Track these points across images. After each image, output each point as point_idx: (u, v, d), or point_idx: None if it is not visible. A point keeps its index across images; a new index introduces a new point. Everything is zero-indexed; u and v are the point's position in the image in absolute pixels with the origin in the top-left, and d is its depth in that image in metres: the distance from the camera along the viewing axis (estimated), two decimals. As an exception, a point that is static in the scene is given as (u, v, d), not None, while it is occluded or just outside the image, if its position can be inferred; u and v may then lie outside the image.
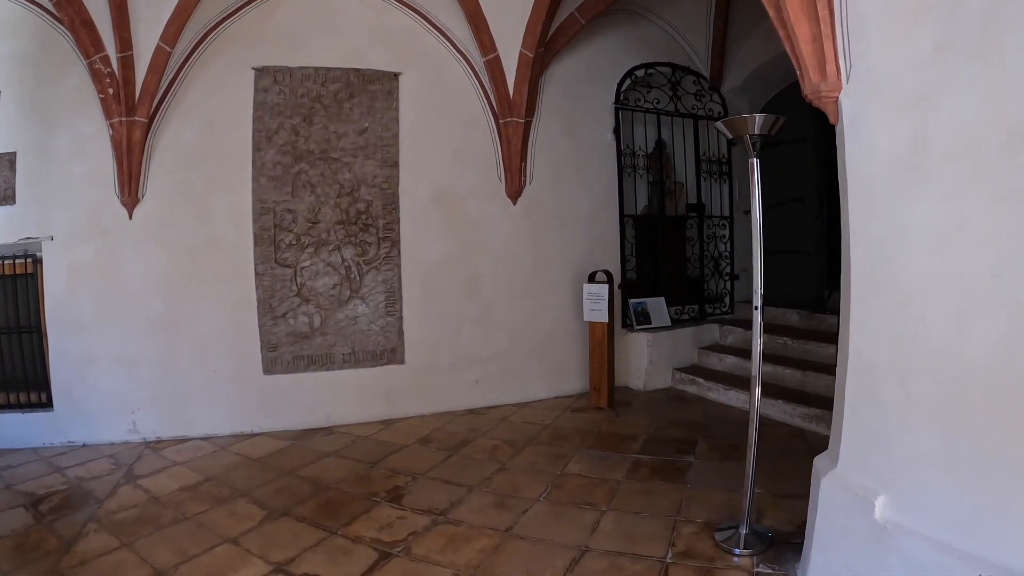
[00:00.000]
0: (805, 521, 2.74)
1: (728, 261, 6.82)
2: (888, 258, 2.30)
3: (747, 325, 6.32)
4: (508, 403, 5.50)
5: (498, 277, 5.51)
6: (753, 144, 2.90)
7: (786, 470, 3.82)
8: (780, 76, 6.71)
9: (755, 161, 2.96)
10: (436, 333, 5.32)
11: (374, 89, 5.19)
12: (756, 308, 3.01)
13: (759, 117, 2.76)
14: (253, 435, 4.83)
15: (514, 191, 5.50)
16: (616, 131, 6.01)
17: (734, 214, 6.89)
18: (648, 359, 5.86)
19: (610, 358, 5.25)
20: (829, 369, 5.10)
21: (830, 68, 2.42)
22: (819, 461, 2.76)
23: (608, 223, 6.00)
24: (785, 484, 3.58)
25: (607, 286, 5.17)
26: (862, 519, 2.39)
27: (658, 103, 6.19)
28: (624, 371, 5.88)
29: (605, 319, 5.17)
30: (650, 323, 6.02)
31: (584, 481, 3.75)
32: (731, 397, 5.35)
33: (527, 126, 5.42)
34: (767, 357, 5.66)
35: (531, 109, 5.42)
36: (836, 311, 6.11)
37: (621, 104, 6.03)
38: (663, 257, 6.34)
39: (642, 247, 6.27)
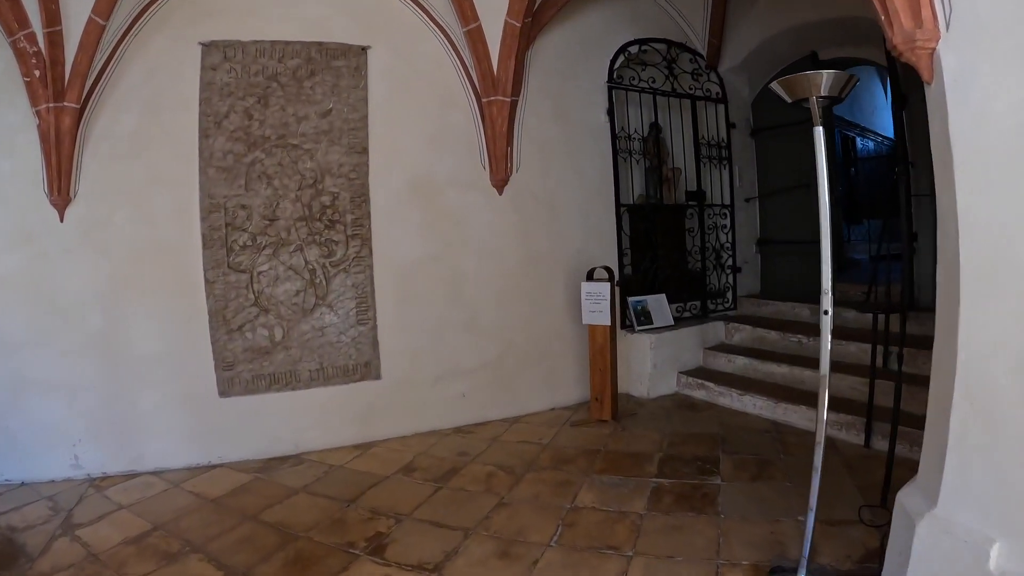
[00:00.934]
0: (865, 555, 2.46)
1: (730, 253, 6.42)
2: (1013, 250, 1.84)
3: (754, 322, 5.95)
4: (499, 418, 5.01)
5: (484, 277, 5.00)
6: (820, 108, 2.38)
7: (828, 489, 3.39)
8: (782, 55, 6.36)
9: (820, 131, 2.47)
10: (415, 343, 4.80)
11: (339, 65, 4.63)
12: (825, 312, 2.54)
13: (827, 75, 2.28)
14: (211, 467, 4.26)
15: (500, 179, 4.99)
16: (610, 112, 5.56)
17: (735, 202, 6.46)
18: (652, 363, 5.41)
19: (613, 365, 4.79)
20: (853, 370, 4.78)
21: (925, 13, 1.95)
22: (906, 497, 2.32)
23: (603, 213, 5.55)
24: (830, 508, 3.16)
25: (608, 284, 4.71)
26: (973, 570, 1.95)
27: (653, 82, 5.76)
28: (625, 377, 5.43)
29: (607, 321, 4.70)
30: (652, 323, 5.57)
31: (600, 517, 3.28)
32: (746, 403, 4.93)
33: (513, 106, 4.91)
34: (781, 358, 5.34)
35: (517, 87, 4.91)
36: (848, 304, 5.84)
37: (615, 83, 5.57)
38: (662, 250, 5.89)
39: (639, 239, 5.84)
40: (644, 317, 5.56)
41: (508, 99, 4.84)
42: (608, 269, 4.90)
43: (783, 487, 3.53)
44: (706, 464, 3.88)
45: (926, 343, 4.72)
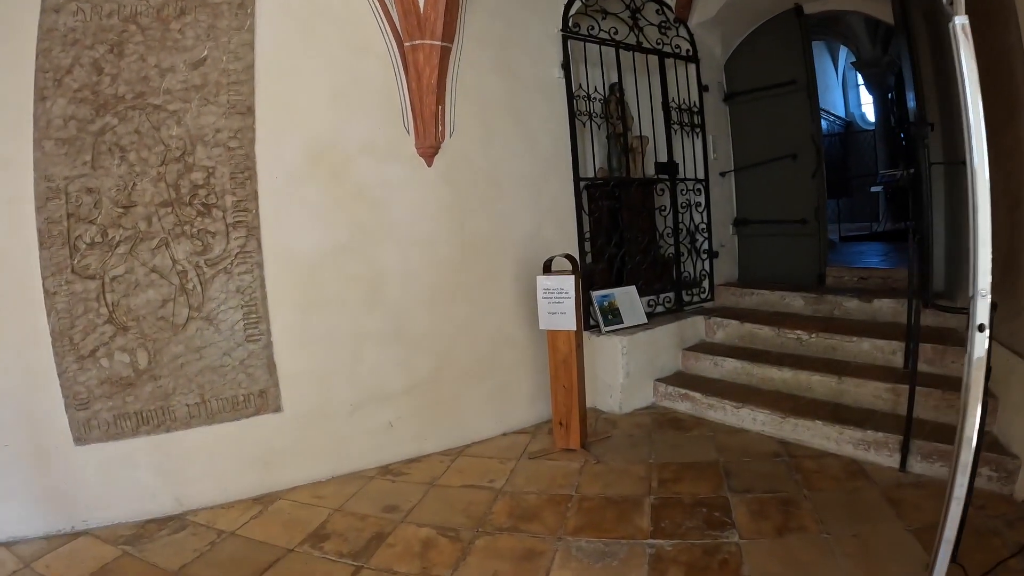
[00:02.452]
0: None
1: (705, 235, 5.70)
2: None
3: (738, 315, 5.25)
4: (439, 451, 4.14)
5: (411, 273, 4.07)
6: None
7: (874, 538, 2.67)
8: (760, 9, 5.80)
9: (960, 23, 1.64)
10: (324, 362, 3.83)
11: (217, 1, 3.59)
12: (981, 294, 1.68)
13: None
14: (75, 535, 3.25)
15: (429, 147, 4.05)
16: (565, 66, 4.71)
17: (709, 176, 5.69)
18: (624, 371, 4.59)
19: (580, 380, 3.93)
20: (869, 372, 4.02)
21: None
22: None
23: (560, 189, 4.73)
24: (884, 566, 2.47)
25: (572, 278, 3.80)
26: None
27: (615, 33, 4.93)
28: (592, 388, 4.63)
29: (572, 325, 3.83)
30: (621, 322, 4.75)
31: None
32: (744, 418, 4.20)
33: (445, 54, 3.99)
34: (780, 359, 4.53)
35: (450, 30, 3.98)
36: (844, 291, 5.11)
37: (570, 32, 4.73)
38: (629, 233, 5.06)
39: (602, 221, 5.03)
40: (612, 315, 4.72)
41: (439, 44, 3.90)
42: (571, 258, 4.04)
43: (822, 542, 2.76)
44: (714, 511, 3.07)
45: (950, 338, 4.11)
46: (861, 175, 12.61)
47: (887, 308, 4.74)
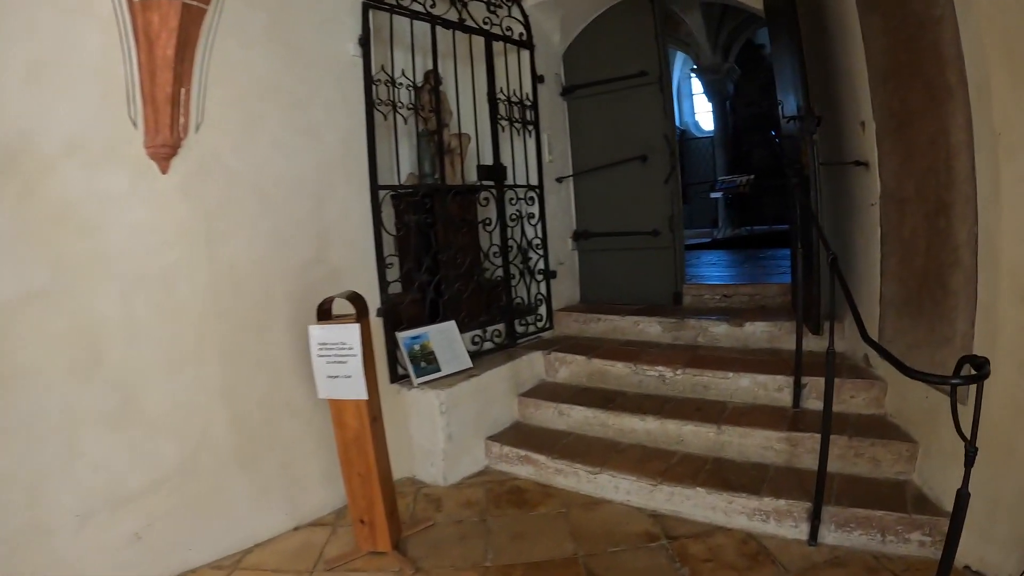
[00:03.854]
0: None
1: (540, 252, 5.25)
2: None
3: (582, 347, 4.85)
4: (210, 561, 3.28)
5: (141, 324, 3.15)
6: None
7: None
8: None
9: None
10: (28, 460, 2.82)
11: None
12: None
13: None
14: None
15: (163, 145, 3.16)
16: (364, 42, 4.05)
17: (544, 182, 5.22)
18: (445, 433, 3.97)
19: (382, 462, 3.18)
20: (754, 417, 3.72)
21: None
22: None
23: (352, 200, 4.05)
24: None
25: (356, 327, 3.03)
26: None
27: (432, 7, 4.36)
28: (408, 454, 4.05)
29: (360, 392, 3.06)
30: (438, 369, 4.11)
31: None
32: (604, 485, 3.72)
33: (194, 18, 3.16)
34: (641, 405, 4.06)
35: (198, -16, 3.12)
36: (707, 313, 4.80)
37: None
38: (445, 253, 4.42)
39: (410, 239, 4.38)
40: (426, 361, 4.09)
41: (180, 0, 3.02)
42: (355, 297, 3.25)
43: None
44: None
45: (843, 368, 3.70)
46: (698, 182, 13.45)
47: (761, 333, 4.54)
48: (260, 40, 3.58)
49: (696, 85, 15.08)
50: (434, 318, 4.34)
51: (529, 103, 5.24)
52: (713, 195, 11.85)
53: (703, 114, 16.24)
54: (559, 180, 5.65)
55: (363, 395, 3.03)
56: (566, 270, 5.70)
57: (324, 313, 3.20)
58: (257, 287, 3.54)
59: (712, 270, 7.09)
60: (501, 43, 4.95)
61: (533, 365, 4.75)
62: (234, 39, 3.43)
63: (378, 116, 4.12)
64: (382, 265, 4.05)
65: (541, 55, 5.39)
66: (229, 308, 3.41)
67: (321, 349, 3.06)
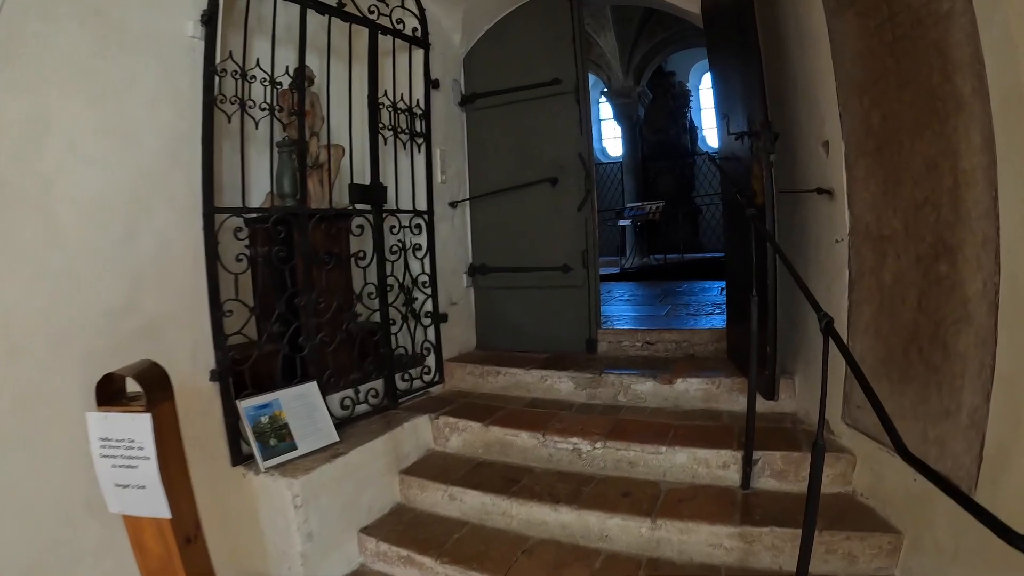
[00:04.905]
0: None
1: (429, 290, 4.54)
2: None
3: (478, 410, 4.20)
4: None
5: None
6: None
7: None
8: None
9: None
10: None
11: None
12: None
13: None
14: None
15: None
16: (209, 22, 3.21)
17: (435, 207, 4.56)
18: (303, 532, 3.14)
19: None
20: (696, 505, 3.08)
21: None
22: None
23: (177, 226, 3.14)
24: None
25: (147, 417, 2.15)
26: None
27: None
28: (258, 554, 3.19)
29: (160, 509, 2.19)
30: (294, 447, 3.29)
31: None
32: None
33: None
34: (552, 489, 3.24)
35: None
36: (627, 365, 4.24)
37: (220, -32, 3.28)
38: (307, 294, 3.59)
39: (261, 278, 3.59)
40: (277, 437, 3.25)
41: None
42: (150, 372, 2.33)
43: None
44: None
45: (800, 438, 3.37)
46: (605, 208, 13.43)
47: (695, 391, 3.94)
48: (65, 12, 2.71)
49: (604, 110, 15.15)
50: (291, 379, 3.51)
51: (420, 111, 4.52)
52: (621, 222, 11.74)
53: (610, 140, 16.59)
54: (453, 205, 4.94)
55: (163, 512, 2.17)
56: (460, 312, 4.98)
57: (111, 393, 2.30)
58: (43, 347, 2.58)
59: (627, 308, 6.48)
60: (390, 38, 4.22)
61: (418, 432, 3.95)
62: (34, 8, 2.58)
63: (221, 117, 3.28)
64: (218, 313, 3.16)
65: (438, 56, 4.72)
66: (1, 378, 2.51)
67: (104, 446, 2.18)
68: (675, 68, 15.53)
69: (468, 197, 5.13)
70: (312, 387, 3.53)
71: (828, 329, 1.92)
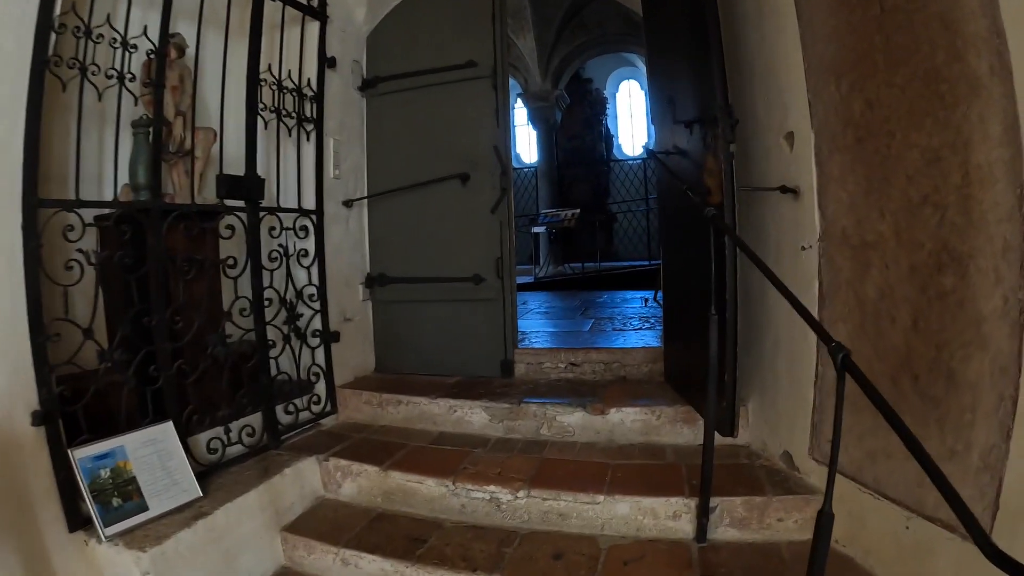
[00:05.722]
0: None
1: (317, 304, 4.01)
2: None
3: (376, 451, 3.65)
4: None
5: None
6: None
7: None
8: None
9: None
10: None
11: None
12: None
13: None
14: None
15: None
16: None
17: (326, 206, 4.10)
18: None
19: None
20: (639, 570, 2.62)
21: None
22: None
23: None
24: None
25: None
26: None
27: None
28: None
29: None
30: (145, 508, 2.71)
31: None
32: None
33: None
34: (466, 551, 2.57)
35: None
36: (550, 391, 3.84)
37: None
38: (160, 312, 3.00)
39: (108, 288, 2.90)
40: (122, 496, 2.66)
41: None
42: None
43: None
44: None
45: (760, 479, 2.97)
46: (518, 215, 13.19)
47: (632, 423, 3.51)
48: None
49: (519, 116, 15.30)
50: (141, 416, 2.89)
51: (312, 93, 3.99)
52: (536, 229, 11.70)
53: (523, 146, 16.98)
54: (348, 204, 4.40)
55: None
56: (355, 329, 4.44)
57: None
58: None
59: (546, 323, 6.02)
60: (279, 4, 3.69)
61: (304, 479, 3.35)
62: None
63: (55, 85, 2.67)
64: (40, 337, 2.53)
65: (336, 32, 4.22)
66: None
67: None
68: (592, 75, 15.99)
69: (366, 195, 4.59)
70: (167, 429, 2.92)
71: (846, 365, 1.53)
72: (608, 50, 13.82)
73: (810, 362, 2.80)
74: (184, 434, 3.01)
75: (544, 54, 12.76)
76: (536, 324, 5.91)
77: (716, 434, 3.04)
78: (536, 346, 4.62)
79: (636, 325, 5.38)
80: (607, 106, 16.39)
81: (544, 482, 3.06)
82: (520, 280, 9.64)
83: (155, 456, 2.84)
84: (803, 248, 2.78)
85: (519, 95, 13.59)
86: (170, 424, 2.94)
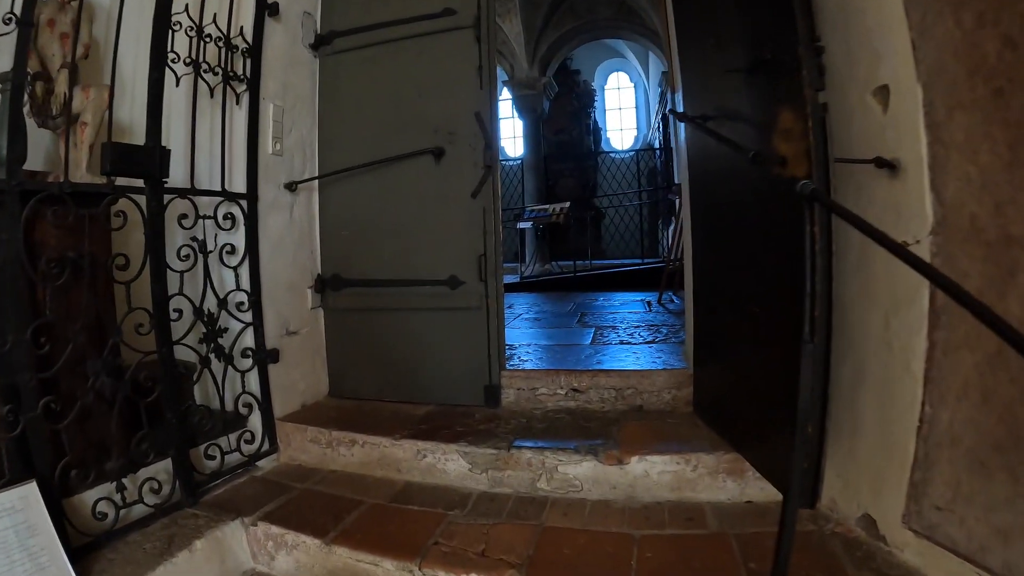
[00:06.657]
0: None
1: (249, 316, 3.28)
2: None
3: (320, 514, 2.90)
4: None
5: None
6: None
7: None
8: None
9: None
10: None
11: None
12: None
13: None
14: None
15: None
16: None
17: (260, 188, 3.41)
18: None
19: None
20: None
21: None
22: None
23: None
24: None
25: None
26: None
27: None
28: None
29: None
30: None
31: None
32: None
33: None
34: None
35: None
36: (548, 428, 3.24)
37: None
38: (20, 332, 2.25)
39: None
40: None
41: None
42: None
43: None
44: None
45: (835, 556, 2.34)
46: (503, 208, 12.90)
47: (661, 475, 2.76)
48: None
49: (503, 108, 15.04)
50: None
51: (246, 47, 3.26)
52: (521, 225, 11.44)
53: (508, 139, 16.85)
54: (292, 187, 3.65)
55: None
56: (302, 344, 3.69)
57: None
58: None
59: (537, 333, 5.24)
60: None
61: (225, 550, 2.60)
62: None
63: None
64: None
65: (279, -27, 3.50)
66: None
67: None
68: (580, 67, 16.01)
69: (316, 176, 3.85)
70: (29, 491, 2.18)
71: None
72: (599, 36, 13.72)
73: (912, 400, 2.09)
74: (60, 495, 2.29)
75: (531, 39, 12.51)
76: (525, 335, 5.10)
77: (769, 488, 2.39)
78: (528, 367, 3.83)
79: (646, 336, 4.64)
80: (595, 98, 16.37)
81: (547, 567, 2.27)
82: (505, 280, 9.02)
83: (11, 533, 2.11)
84: (905, 244, 2.09)
85: (504, 83, 13.18)
86: (33, 485, 2.19)
